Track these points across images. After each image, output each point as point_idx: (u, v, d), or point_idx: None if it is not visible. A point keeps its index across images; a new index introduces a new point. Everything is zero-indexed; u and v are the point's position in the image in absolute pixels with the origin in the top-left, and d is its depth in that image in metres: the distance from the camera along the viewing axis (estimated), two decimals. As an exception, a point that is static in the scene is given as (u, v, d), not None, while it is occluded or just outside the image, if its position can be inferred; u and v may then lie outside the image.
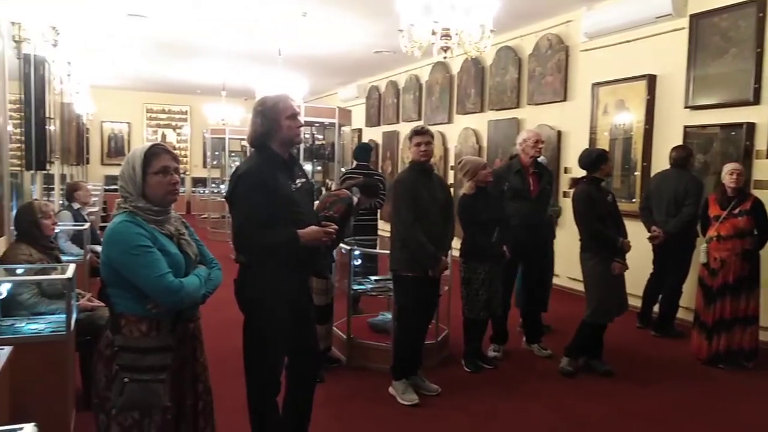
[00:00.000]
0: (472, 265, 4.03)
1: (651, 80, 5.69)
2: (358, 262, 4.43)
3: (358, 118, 11.55)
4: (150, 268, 1.88)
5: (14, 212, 3.67)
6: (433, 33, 3.85)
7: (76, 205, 5.62)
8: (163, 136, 15.12)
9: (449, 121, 9.06)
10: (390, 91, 10.90)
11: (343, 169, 7.44)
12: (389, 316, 4.29)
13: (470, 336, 4.18)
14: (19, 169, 4.28)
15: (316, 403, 2.85)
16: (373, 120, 11.62)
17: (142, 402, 1.91)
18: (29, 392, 2.72)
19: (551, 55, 6.93)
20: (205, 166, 14.58)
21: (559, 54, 6.82)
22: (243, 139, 11.75)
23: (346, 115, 7.66)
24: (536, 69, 7.16)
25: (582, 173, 4.14)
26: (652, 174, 5.50)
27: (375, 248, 4.96)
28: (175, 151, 2.11)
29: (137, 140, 14.65)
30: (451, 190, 6.57)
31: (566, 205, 4.58)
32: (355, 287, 4.43)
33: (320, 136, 8.53)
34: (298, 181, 2.58)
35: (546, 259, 4.85)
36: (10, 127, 3.70)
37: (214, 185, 12.91)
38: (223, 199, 11.50)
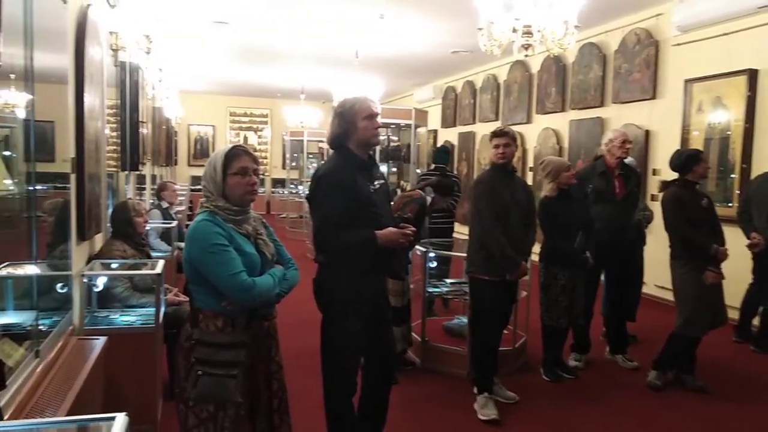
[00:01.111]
0: (551, 271, 3.89)
1: (752, 75, 5.27)
2: (434, 264, 4.37)
3: (434, 119, 11.49)
4: (224, 266, 1.93)
5: (110, 210, 3.90)
6: (514, 30, 3.74)
7: (164, 204, 5.92)
8: (245, 138, 15.70)
9: (528, 121, 8.82)
10: (466, 92, 10.76)
11: (418, 171, 7.41)
12: (465, 320, 4.21)
13: (549, 344, 4.03)
14: (114, 169, 4.55)
15: (392, 405, 2.83)
16: (448, 121, 11.52)
17: (214, 396, 1.96)
18: (121, 381, 2.88)
19: (639, 51, 6.58)
20: (284, 167, 15.00)
21: (647, 49, 6.46)
22: (321, 141, 11.98)
23: (422, 116, 7.63)
24: (622, 66, 6.83)
25: (673, 175, 3.88)
26: (753, 176, 5.10)
27: (451, 251, 4.89)
28: (255, 153, 2.16)
29: (221, 142, 15.29)
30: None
31: (656, 209, 4.31)
32: (430, 290, 4.38)
33: (395, 138, 8.55)
34: (376, 182, 2.59)
35: (633, 266, 4.59)
36: (107, 131, 3.94)
37: (292, 186, 13.25)
38: (300, 200, 11.84)
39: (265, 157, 15.67)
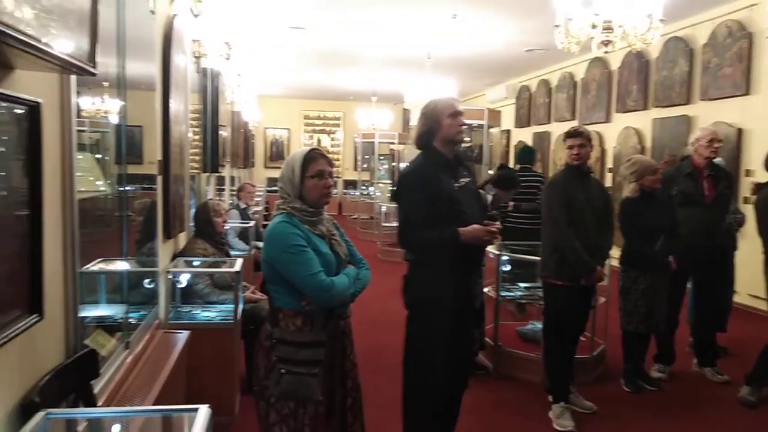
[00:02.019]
0: (631, 275, 3.71)
1: None
2: (507, 267, 4.27)
3: (507, 119, 11.27)
4: (304, 266, 1.97)
5: (192, 211, 4.09)
6: (593, 26, 3.60)
7: (242, 205, 6.14)
8: (318, 140, 16.02)
9: (607, 120, 8.48)
10: (541, 91, 10.49)
11: (490, 171, 7.28)
12: (539, 325, 4.09)
13: (630, 352, 3.84)
14: (196, 171, 4.76)
15: (462, 409, 2.79)
16: (522, 120, 11.27)
17: (297, 394, 1.99)
18: (201, 374, 3.00)
19: (731, 44, 6.16)
20: (355, 169, 15.20)
21: (740, 42, 6.04)
22: (392, 143, 12.05)
23: (495, 116, 7.50)
24: (712, 60, 6.42)
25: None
26: None
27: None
28: (328, 155, 2.20)
29: (295, 145, 15.68)
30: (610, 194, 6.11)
31: (749, 212, 4.01)
32: (503, 293, 4.29)
33: (467, 138, 8.44)
34: (462, 180, 2.61)
35: (723, 273, 4.29)
36: (190, 134, 4.13)
37: (363, 187, 13.39)
38: (372, 201, 11.95)
39: (338, 159, 15.93)
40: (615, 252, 3.59)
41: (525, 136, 11.04)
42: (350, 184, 15.35)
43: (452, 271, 2.53)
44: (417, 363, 2.61)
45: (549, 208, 3.40)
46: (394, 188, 2.71)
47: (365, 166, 14.36)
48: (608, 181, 8.03)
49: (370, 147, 12.68)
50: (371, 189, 12.87)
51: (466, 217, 2.51)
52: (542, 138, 10.33)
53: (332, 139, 16.24)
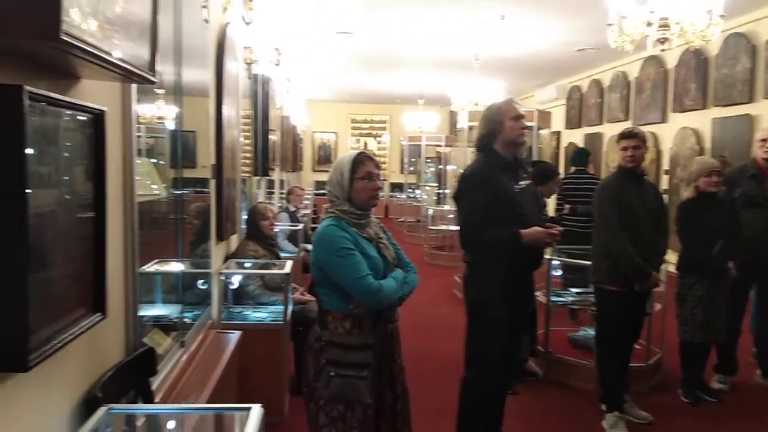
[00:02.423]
0: (688, 281, 3.56)
1: None
2: (559, 272, 4.18)
3: (557, 121, 11.05)
4: (352, 269, 1.98)
5: (244, 213, 4.19)
6: (648, 24, 3.49)
7: (291, 207, 6.24)
8: (365, 144, 16.12)
9: (663, 120, 8.18)
10: (593, 91, 10.23)
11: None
12: (591, 331, 3.98)
13: (688, 362, 3.69)
14: (247, 175, 4.87)
15: (512, 415, 2.76)
16: (573, 122, 11.02)
17: (346, 396, 2.01)
18: (252, 373, 3.06)
19: (798, 38, 5.85)
20: (402, 172, 15.20)
21: (808, 36, 5.73)
22: (438, 146, 12.00)
23: (544, 117, 7.36)
24: (776, 56, 6.11)
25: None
26: None
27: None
28: (376, 159, 2.22)
29: (342, 149, 15.83)
30: (665, 197, 5.90)
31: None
32: (554, 299, 4.20)
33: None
34: (522, 182, 2.63)
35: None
36: (241, 139, 4.23)
37: (410, 190, 13.38)
38: (418, 204, 11.93)
39: (384, 162, 15.98)
40: (673, 257, 3.46)
41: (576, 137, 10.80)
42: (396, 187, 15.38)
43: (511, 273, 2.54)
44: (476, 363, 2.63)
45: (600, 211, 3.31)
46: (455, 189, 2.75)
47: (411, 168, 14.36)
48: (664, 184, 7.76)
49: (417, 150, 12.66)
50: (417, 192, 12.85)
51: (526, 219, 2.52)
52: (594, 139, 10.07)
53: (378, 143, 16.32)
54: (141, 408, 1.69)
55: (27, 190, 1.03)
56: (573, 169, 5.57)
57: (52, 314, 1.19)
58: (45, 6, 0.91)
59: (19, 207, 1.02)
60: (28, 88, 1.03)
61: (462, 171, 2.86)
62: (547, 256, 4.02)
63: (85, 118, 1.34)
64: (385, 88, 12.77)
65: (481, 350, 2.61)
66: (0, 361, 1.05)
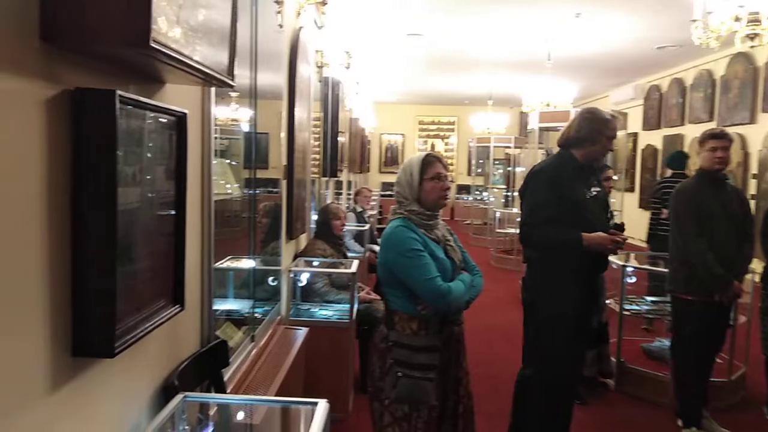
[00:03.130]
0: (772, 294, 3.33)
1: None
2: (632, 279, 4.01)
3: (634, 122, 10.60)
4: (421, 271, 1.99)
5: (312, 213, 4.29)
6: (737, 19, 3.30)
7: (358, 208, 6.32)
8: (432, 145, 16.08)
9: (751, 121, 7.67)
10: (674, 90, 9.74)
11: (615, 177, 6.89)
12: (667, 342, 3.80)
13: (775, 379, 3.44)
14: (316, 176, 4.98)
15: (582, 426, 2.67)
16: (651, 123, 10.53)
17: (413, 397, 2.01)
18: (318, 370, 3.13)
19: None
20: (469, 173, 15.06)
21: None
22: (507, 147, 11.79)
23: (620, 118, 7.08)
24: None
25: None
26: None
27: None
28: (445, 160, 2.23)
29: (409, 150, 15.86)
30: (752, 203, 5.54)
31: None
32: (628, 307, 4.03)
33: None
34: (593, 189, 2.59)
35: None
36: (311, 141, 4.33)
37: (477, 192, 13.23)
38: (485, 206, 11.78)
39: (451, 164, 15.88)
40: (760, 267, 3.24)
41: (654, 139, 10.32)
42: (463, 189, 15.25)
43: (569, 273, 2.49)
44: (538, 362, 2.62)
45: (676, 216, 3.16)
46: (523, 184, 2.73)
47: (479, 170, 14.20)
48: (752, 189, 7.27)
49: (485, 151, 12.50)
50: (485, 194, 12.68)
51: (591, 225, 2.46)
52: (674, 141, 9.58)
53: (446, 144, 16.23)
54: (214, 397, 1.77)
55: (116, 189, 1.10)
56: (669, 172, 5.31)
57: (136, 305, 1.27)
58: (136, 16, 0.97)
59: (109, 204, 1.10)
60: (119, 92, 1.10)
61: (532, 167, 2.83)
62: (620, 262, 3.87)
63: (168, 121, 1.42)
64: (453, 89, 12.69)
65: (541, 350, 2.60)
66: (89, 347, 1.13)
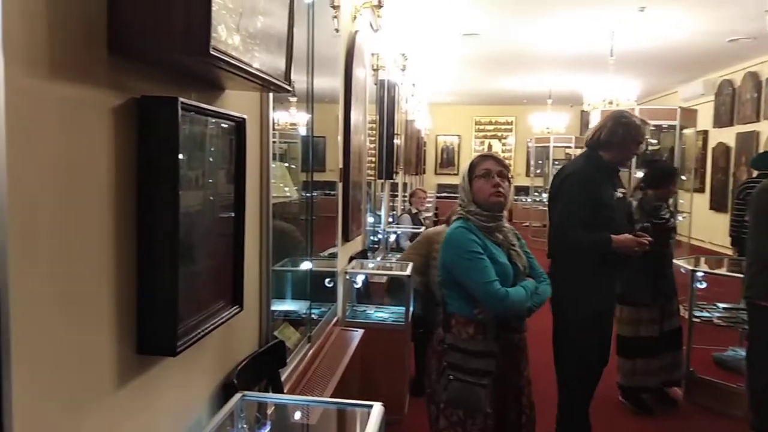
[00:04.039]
0: None
1: None
2: (703, 285, 3.81)
3: (704, 119, 10.11)
4: (479, 273, 1.96)
5: (366, 216, 4.31)
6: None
7: (414, 210, 6.31)
8: (489, 146, 15.86)
9: (835, 115, 7.17)
10: (748, 85, 9.21)
11: (683, 177, 6.58)
12: (742, 352, 3.58)
13: None
14: (372, 178, 5.01)
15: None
16: (723, 120, 10.00)
17: (463, 402, 1.98)
18: (373, 372, 3.13)
19: None
20: (527, 174, 14.76)
21: None
22: (568, 147, 11.49)
23: (689, 115, 6.76)
24: None
25: None
26: None
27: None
28: (501, 158, 2.21)
29: (466, 151, 15.72)
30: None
31: None
32: (698, 314, 3.82)
33: (654, 141, 7.72)
34: (619, 191, 2.67)
35: None
36: (367, 143, 4.36)
37: (536, 194, 12.95)
38: (544, 208, 11.49)
39: (510, 165, 15.63)
40: None
41: (726, 136, 9.80)
42: (522, 191, 14.95)
43: (598, 271, 2.57)
44: (565, 367, 2.70)
45: (756, 218, 2.97)
46: (553, 186, 2.82)
47: (538, 171, 13.89)
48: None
49: (544, 152, 12.23)
50: (544, 195, 12.38)
51: (619, 226, 2.57)
52: (748, 139, 9.06)
53: (503, 145, 15.98)
54: (272, 397, 1.80)
55: (178, 192, 1.14)
56: (756, 173, 5.01)
57: (197, 305, 1.31)
58: (196, 25, 1.00)
59: (172, 206, 1.14)
60: (182, 99, 1.14)
61: (560, 168, 2.92)
62: (689, 267, 3.69)
63: (228, 126, 1.46)
64: (511, 88, 12.48)
65: (566, 354, 2.69)
66: (153, 345, 1.17)
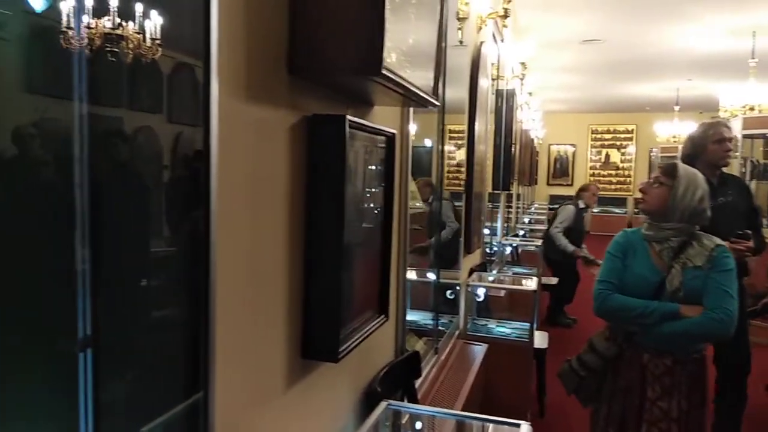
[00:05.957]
0: None
1: None
2: None
3: None
4: (601, 272, 2.10)
5: (483, 228, 4.23)
6: None
7: (581, 204, 6.01)
8: (607, 156, 15.09)
9: None
10: None
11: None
12: None
13: None
14: (489, 189, 4.93)
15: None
16: None
17: (561, 379, 2.21)
18: (497, 388, 3.07)
19: None
20: (649, 186, 13.84)
21: None
22: (697, 157, 10.64)
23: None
24: None
25: None
26: None
27: None
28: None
29: (581, 161, 15.06)
30: None
31: None
32: None
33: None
34: (720, 199, 2.66)
35: None
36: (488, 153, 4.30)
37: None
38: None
39: (629, 176, 14.76)
40: None
41: None
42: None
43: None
44: None
45: None
46: None
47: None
48: None
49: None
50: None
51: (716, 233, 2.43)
52: None
53: (622, 154, 15.12)
54: (417, 408, 1.80)
55: (345, 202, 1.19)
56: None
57: (352, 313, 1.35)
58: (373, 47, 1.05)
59: (338, 218, 1.19)
60: (348, 116, 1.19)
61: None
62: None
63: (380, 140, 1.50)
64: (632, 94, 11.80)
65: None
66: (316, 351, 1.23)
